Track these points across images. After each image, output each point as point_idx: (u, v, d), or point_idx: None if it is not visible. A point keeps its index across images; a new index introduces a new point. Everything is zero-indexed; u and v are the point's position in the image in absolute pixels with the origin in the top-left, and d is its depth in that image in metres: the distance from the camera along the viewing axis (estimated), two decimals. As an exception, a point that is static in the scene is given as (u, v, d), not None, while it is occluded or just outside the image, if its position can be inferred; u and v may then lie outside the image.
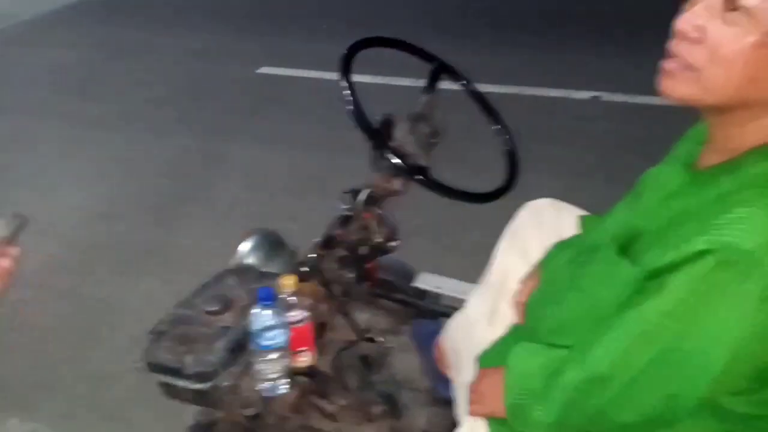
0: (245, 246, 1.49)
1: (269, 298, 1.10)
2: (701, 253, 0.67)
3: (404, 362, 1.48)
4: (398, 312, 1.62)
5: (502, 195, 1.23)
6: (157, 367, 1.18)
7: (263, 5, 5.61)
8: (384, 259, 1.62)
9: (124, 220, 2.77)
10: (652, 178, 0.92)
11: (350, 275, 1.45)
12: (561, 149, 2.90)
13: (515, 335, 1.11)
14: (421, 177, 1.11)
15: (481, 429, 1.05)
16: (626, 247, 0.82)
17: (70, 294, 2.34)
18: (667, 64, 0.74)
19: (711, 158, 0.79)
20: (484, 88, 1.40)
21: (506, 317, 1.22)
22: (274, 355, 1.13)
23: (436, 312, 1.61)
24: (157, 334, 1.21)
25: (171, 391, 1.21)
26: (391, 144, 1.13)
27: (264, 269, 1.44)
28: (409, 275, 1.74)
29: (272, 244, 1.52)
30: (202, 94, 3.99)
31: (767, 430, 0.79)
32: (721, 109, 0.74)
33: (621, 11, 4.67)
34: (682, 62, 0.72)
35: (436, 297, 1.65)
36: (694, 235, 0.69)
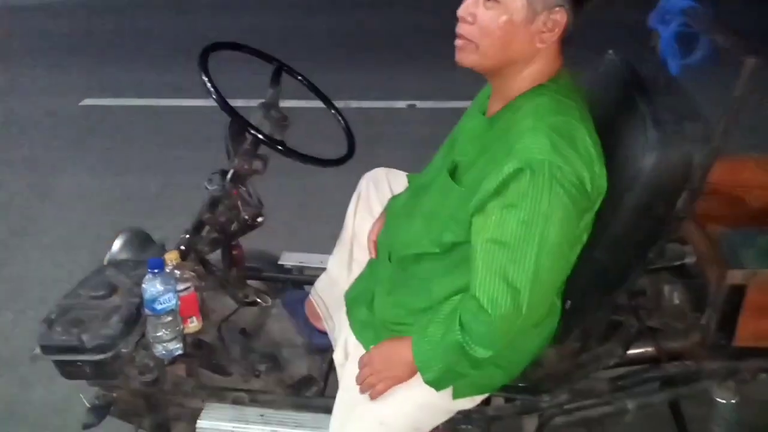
0: (117, 243, 1.59)
1: (159, 266, 1.25)
2: (517, 170, 0.96)
3: (280, 327, 1.69)
4: (268, 289, 1.82)
5: (347, 160, 1.51)
6: (54, 349, 1.26)
7: (81, 38, 5.42)
8: (249, 251, 1.81)
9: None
10: (461, 127, 1.25)
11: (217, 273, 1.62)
12: (383, 150, 3.27)
13: (371, 268, 1.39)
14: (280, 147, 1.35)
15: (352, 342, 1.29)
16: (452, 175, 1.12)
17: None
18: (457, 42, 1.05)
19: (495, 106, 1.11)
20: (317, 103, 1.66)
21: (361, 262, 1.49)
22: (168, 318, 1.27)
23: (301, 282, 1.84)
24: (49, 322, 1.29)
25: (70, 371, 1.29)
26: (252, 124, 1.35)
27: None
28: (274, 259, 1.95)
29: (142, 239, 1.63)
30: (21, 130, 3.80)
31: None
32: (497, 69, 1.05)
33: (428, 31, 5.29)
34: (465, 39, 1.03)
35: (300, 270, 1.87)
36: (506, 160, 0.97)
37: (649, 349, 1.36)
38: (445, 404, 1.16)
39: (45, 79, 4.54)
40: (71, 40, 5.38)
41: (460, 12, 1.02)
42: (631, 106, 1.07)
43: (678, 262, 1.48)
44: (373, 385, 1.14)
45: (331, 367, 1.51)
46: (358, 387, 1.19)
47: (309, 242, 2.02)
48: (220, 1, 6.27)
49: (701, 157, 0.99)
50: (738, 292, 1.12)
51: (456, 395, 1.15)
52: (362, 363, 1.17)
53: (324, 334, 1.59)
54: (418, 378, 1.12)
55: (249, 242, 1.79)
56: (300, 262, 1.87)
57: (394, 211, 1.33)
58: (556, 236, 0.97)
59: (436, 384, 1.10)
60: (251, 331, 1.66)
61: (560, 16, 0.98)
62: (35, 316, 2.02)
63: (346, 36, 5.24)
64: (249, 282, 1.76)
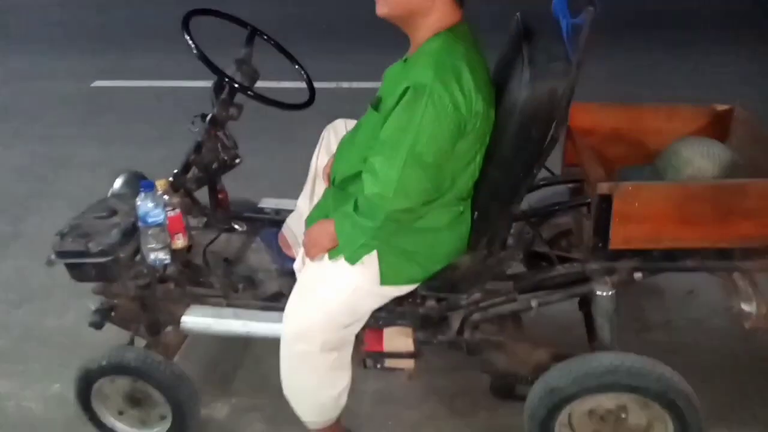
0: (118, 182, 1.90)
1: (150, 187, 1.55)
2: (405, 89, 1.27)
3: (257, 257, 1.98)
4: (248, 228, 2.11)
5: (308, 106, 1.80)
6: (66, 254, 1.56)
7: (89, 27, 5.77)
8: (232, 198, 2.11)
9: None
10: (387, 72, 1.55)
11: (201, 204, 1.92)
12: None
13: (325, 196, 1.68)
14: (250, 93, 1.65)
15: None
16: (376, 107, 1.43)
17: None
18: None
19: (411, 52, 1.42)
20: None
21: (321, 195, 1.79)
22: (157, 230, 1.57)
23: (277, 221, 2.13)
24: (62, 235, 1.59)
25: (78, 273, 1.60)
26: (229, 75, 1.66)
27: (136, 197, 1.86)
28: (254, 205, 2.24)
29: (138, 180, 1.93)
30: (39, 109, 4.16)
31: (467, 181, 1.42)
32: (404, 19, 1.35)
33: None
34: None
35: (277, 212, 2.17)
36: (403, 84, 1.29)
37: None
38: (375, 289, 1.46)
39: (57, 64, 4.91)
40: (80, 29, 5.74)
41: None
42: (518, 52, 1.35)
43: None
44: (309, 249, 1.49)
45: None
46: (305, 284, 1.49)
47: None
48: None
49: (563, 89, 1.27)
50: (607, 201, 1.39)
51: (383, 282, 1.44)
52: (305, 233, 1.53)
53: (293, 260, 1.89)
54: (352, 269, 1.42)
55: (234, 191, 2.10)
56: (276, 205, 2.17)
57: (341, 145, 1.62)
58: (424, 144, 1.27)
59: (348, 251, 1.41)
60: (232, 260, 1.96)
61: None
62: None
63: (339, 24, 5.56)
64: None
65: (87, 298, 2.05)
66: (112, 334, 1.79)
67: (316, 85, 1.91)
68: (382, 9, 1.34)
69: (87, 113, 4.07)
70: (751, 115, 1.70)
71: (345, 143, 1.60)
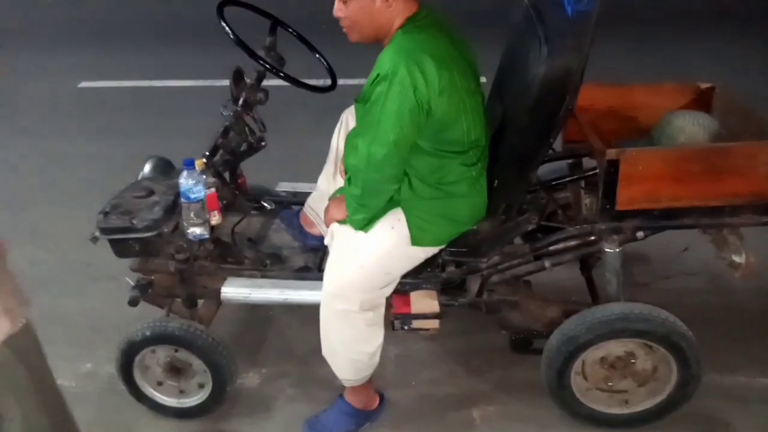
0: (147, 166, 1.99)
1: (192, 165, 1.65)
2: (376, 76, 1.43)
3: (279, 236, 2.09)
4: (269, 212, 2.22)
5: (332, 90, 1.93)
6: (110, 230, 1.65)
7: (76, 24, 5.76)
8: (249, 184, 2.22)
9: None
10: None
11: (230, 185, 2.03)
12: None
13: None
14: (282, 74, 1.76)
15: (334, 227, 1.71)
16: (360, 100, 1.57)
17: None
18: (344, 30, 1.52)
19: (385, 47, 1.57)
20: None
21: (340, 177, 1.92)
22: (198, 206, 1.67)
23: (294, 203, 2.25)
24: (105, 213, 1.68)
25: (121, 249, 1.69)
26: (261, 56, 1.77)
27: (164, 181, 1.95)
28: (270, 189, 2.35)
29: (166, 164, 2.03)
30: (26, 109, 4.16)
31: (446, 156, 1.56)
32: (375, 36, 1.52)
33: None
34: (345, 27, 1.50)
35: (294, 194, 2.28)
36: (375, 73, 1.44)
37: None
38: (406, 250, 1.60)
39: (43, 63, 4.90)
40: (63, 28, 5.72)
41: (335, 13, 1.51)
42: (533, 33, 1.51)
43: (591, 172, 1.93)
44: (327, 216, 1.71)
45: (323, 260, 1.92)
46: (342, 249, 1.62)
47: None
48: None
49: (576, 63, 1.43)
50: (614, 166, 1.56)
51: (413, 243, 1.58)
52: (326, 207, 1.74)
53: (316, 237, 2.01)
54: (383, 236, 1.58)
55: (251, 178, 2.20)
56: (293, 188, 2.28)
57: (349, 136, 1.77)
58: (387, 123, 1.43)
59: (354, 217, 1.60)
60: (256, 239, 2.07)
61: None
62: (55, 249, 2.50)
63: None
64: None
65: (104, 281, 2.13)
66: (134, 315, 1.87)
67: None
68: (353, 37, 1.53)
69: (76, 111, 4.11)
70: (730, 91, 1.90)
71: (351, 135, 1.74)
